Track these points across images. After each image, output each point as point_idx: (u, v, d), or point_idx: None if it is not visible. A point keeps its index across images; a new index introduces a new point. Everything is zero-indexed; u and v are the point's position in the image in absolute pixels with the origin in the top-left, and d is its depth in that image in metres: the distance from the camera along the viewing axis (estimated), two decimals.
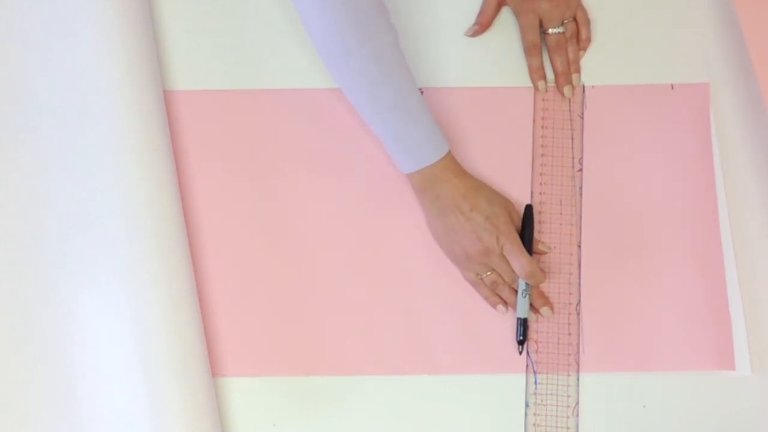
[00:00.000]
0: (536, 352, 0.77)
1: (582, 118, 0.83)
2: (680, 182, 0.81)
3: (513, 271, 0.76)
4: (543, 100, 0.83)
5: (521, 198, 0.80)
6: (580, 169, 0.82)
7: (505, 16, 0.86)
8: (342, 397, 0.77)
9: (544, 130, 0.83)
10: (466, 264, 0.77)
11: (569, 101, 0.83)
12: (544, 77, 0.83)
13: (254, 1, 0.86)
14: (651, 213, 0.80)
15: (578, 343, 0.77)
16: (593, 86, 0.84)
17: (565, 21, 0.83)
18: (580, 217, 0.80)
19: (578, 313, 0.78)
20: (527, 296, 0.76)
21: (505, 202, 0.78)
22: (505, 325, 0.78)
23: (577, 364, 0.77)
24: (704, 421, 0.76)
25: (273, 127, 0.82)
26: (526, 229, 0.78)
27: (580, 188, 0.81)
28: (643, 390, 0.77)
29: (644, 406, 0.76)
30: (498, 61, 0.84)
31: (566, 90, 0.83)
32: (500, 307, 0.77)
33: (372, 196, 0.81)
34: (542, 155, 0.82)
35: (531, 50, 0.83)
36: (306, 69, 0.84)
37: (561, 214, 0.81)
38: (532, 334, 0.78)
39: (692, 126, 0.82)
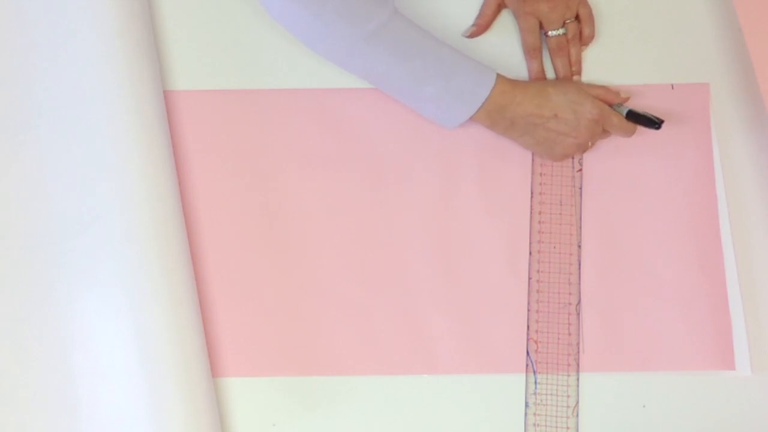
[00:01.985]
0: (536, 352, 0.77)
1: None
2: (680, 182, 0.81)
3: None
4: None
5: (521, 198, 0.80)
6: (580, 169, 0.82)
7: (506, 17, 0.86)
8: (342, 397, 0.77)
9: None
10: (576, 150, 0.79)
11: None
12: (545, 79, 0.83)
13: (254, 1, 0.86)
14: (651, 213, 0.80)
15: (578, 343, 0.77)
16: None
17: (567, 22, 0.82)
18: (580, 217, 0.80)
19: (578, 313, 0.78)
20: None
21: (574, 86, 0.78)
22: (505, 325, 0.78)
23: (577, 364, 0.77)
24: (704, 421, 0.76)
25: (273, 127, 0.82)
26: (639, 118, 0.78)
27: (580, 188, 0.81)
28: (643, 390, 0.77)
29: (644, 406, 0.76)
30: (498, 62, 0.84)
31: None
32: None
33: (372, 197, 0.81)
34: None
35: (531, 53, 0.83)
36: (306, 69, 0.84)
37: (561, 214, 0.80)
38: (532, 334, 0.78)
39: (692, 126, 0.82)
